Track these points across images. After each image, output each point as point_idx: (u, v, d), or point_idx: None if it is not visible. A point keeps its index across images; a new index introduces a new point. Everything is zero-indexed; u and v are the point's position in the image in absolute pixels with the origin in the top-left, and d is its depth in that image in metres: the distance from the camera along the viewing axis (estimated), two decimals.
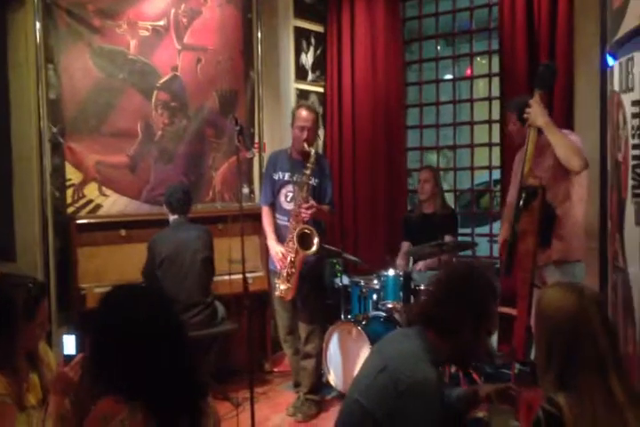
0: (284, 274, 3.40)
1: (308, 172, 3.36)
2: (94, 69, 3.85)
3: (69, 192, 3.76)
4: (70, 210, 3.76)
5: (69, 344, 2.10)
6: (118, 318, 1.52)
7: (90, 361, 1.58)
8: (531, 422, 1.52)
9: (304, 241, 3.34)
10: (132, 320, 1.51)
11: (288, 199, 3.54)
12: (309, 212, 3.33)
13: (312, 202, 3.36)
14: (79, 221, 3.67)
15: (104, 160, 3.89)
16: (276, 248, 3.47)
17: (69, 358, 1.95)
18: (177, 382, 1.50)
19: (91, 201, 3.85)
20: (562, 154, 2.73)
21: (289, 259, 3.37)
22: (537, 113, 2.79)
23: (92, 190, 3.85)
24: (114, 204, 3.94)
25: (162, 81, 4.15)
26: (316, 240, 3.34)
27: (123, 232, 3.78)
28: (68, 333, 3.31)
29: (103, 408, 1.47)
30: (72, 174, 3.77)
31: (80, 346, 2.09)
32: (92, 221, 3.73)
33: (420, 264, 4.12)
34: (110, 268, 3.67)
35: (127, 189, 3.99)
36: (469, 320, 1.76)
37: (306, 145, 3.42)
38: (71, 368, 1.83)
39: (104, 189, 3.89)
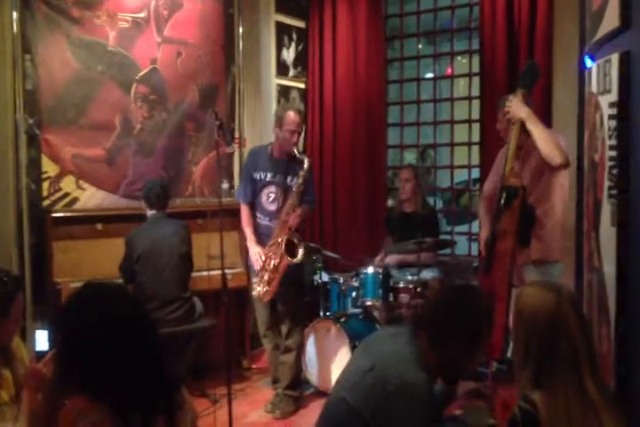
0: (265, 278, 3.39)
1: (300, 180, 3.36)
2: (72, 61, 3.79)
3: (45, 185, 3.71)
4: (46, 203, 3.71)
5: (42, 340, 2.07)
6: (87, 317, 1.49)
7: (58, 360, 1.55)
8: (507, 420, 1.54)
9: (289, 248, 3.35)
10: (102, 319, 1.49)
11: (270, 200, 3.51)
12: (297, 220, 3.37)
13: (299, 211, 3.38)
14: (55, 215, 3.62)
15: (81, 153, 3.83)
16: (254, 249, 3.46)
17: (42, 353, 1.91)
18: (148, 382, 1.48)
19: (67, 194, 3.79)
20: (544, 147, 2.71)
21: (272, 264, 3.36)
22: (518, 106, 2.80)
23: (68, 183, 3.79)
24: (91, 197, 3.89)
25: (141, 74, 4.10)
26: (301, 250, 3.36)
27: (99, 226, 3.73)
28: (42, 328, 3.27)
29: (78, 403, 1.45)
30: (48, 167, 3.71)
31: (53, 342, 2.06)
32: (68, 214, 3.68)
33: (390, 258, 4.15)
34: (86, 262, 3.62)
35: (105, 182, 3.94)
36: (459, 337, 1.76)
37: (296, 151, 3.41)
38: (44, 364, 1.80)
39: (81, 182, 3.84)
